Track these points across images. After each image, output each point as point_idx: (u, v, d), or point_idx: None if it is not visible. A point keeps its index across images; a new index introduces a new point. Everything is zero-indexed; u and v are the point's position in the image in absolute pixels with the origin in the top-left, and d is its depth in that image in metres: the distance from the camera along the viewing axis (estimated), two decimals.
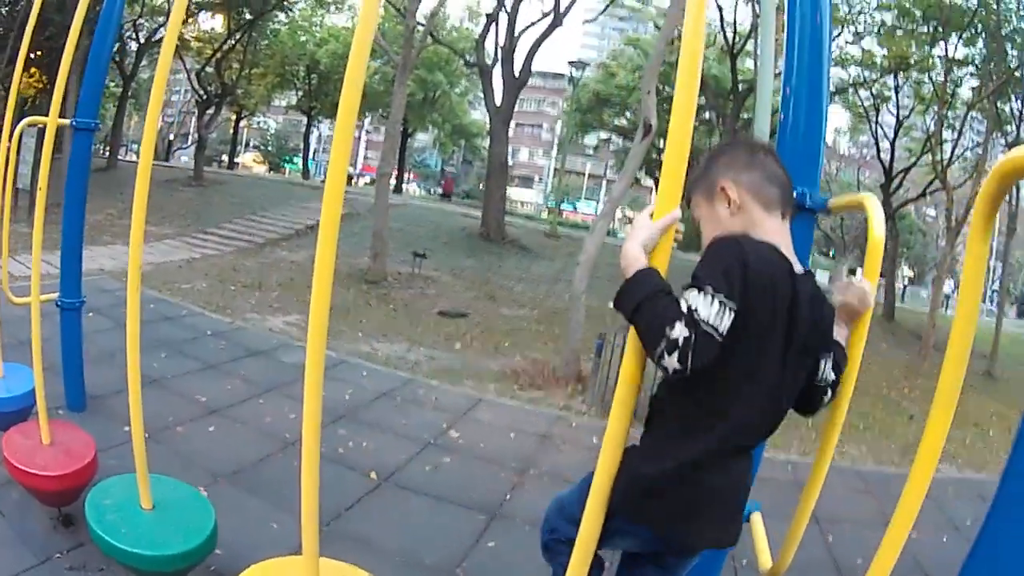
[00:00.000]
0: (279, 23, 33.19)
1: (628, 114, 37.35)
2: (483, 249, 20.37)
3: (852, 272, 53.82)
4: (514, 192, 53.98)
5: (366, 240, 16.86)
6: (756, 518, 2.40)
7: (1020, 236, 22.80)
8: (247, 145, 52.75)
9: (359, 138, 72.40)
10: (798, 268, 1.76)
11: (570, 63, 28.03)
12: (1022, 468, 1.00)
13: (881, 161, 25.75)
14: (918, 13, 19.35)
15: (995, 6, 17.55)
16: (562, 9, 20.86)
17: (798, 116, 2.54)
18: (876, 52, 22.04)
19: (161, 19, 28.12)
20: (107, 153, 28.64)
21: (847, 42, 21.62)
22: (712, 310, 1.48)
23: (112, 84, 32.46)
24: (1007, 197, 21.80)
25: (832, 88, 20.83)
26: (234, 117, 43.28)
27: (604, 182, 69.07)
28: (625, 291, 1.50)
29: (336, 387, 7.03)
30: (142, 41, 29.30)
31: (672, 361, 1.44)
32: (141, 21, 28.09)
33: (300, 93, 41.72)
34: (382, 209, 15.48)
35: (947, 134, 21.87)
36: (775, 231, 1.81)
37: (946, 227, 21.02)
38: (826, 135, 2.71)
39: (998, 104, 19.33)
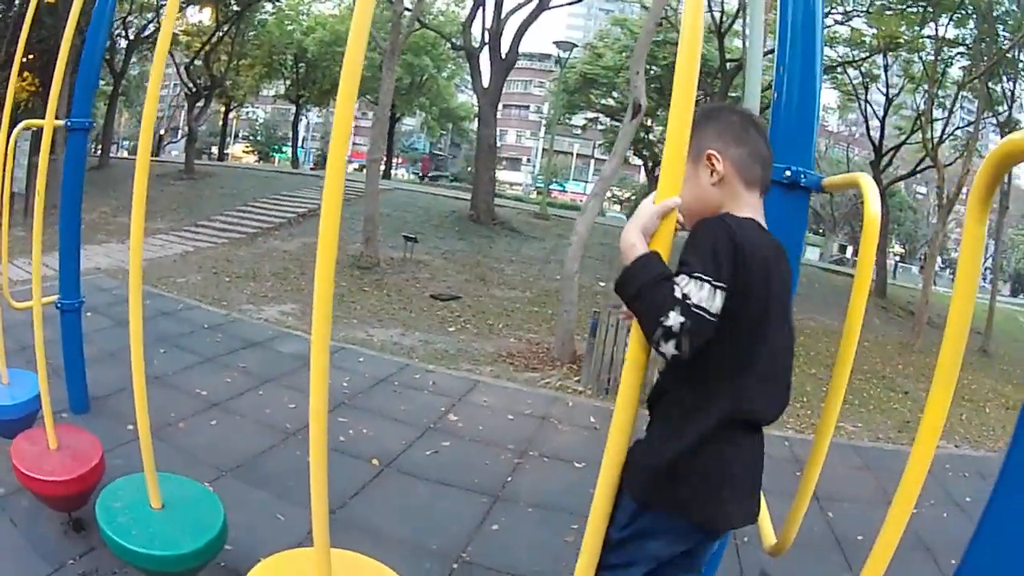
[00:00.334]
0: (266, 13, 33.06)
1: (615, 94, 37.29)
2: (473, 232, 20.35)
3: (843, 248, 53.67)
4: (502, 174, 53.92)
5: (357, 226, 16.85)
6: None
7: (1013, 214, 22.83)
8: (236, 136, 52.62)
9: None
10: None
11: (556, 44, 27.91)
12: None
13: (871, 139, 25.73)
14: None
15: None
16: None
17: (791, 95, 2.52)
18: (865, 31, 21.92)
19: (150, 15, 28.04)
20: (99, 151, 28.55)
21: (836, 22, 21.55)
22: (703, 293, 1.51)
23: (103, 82, 32.34)
24: None
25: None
26: (223, 109, 43.10)
27: (592, 162, 69.09)
28: (624, 278, 1.53)
29: (334, 374, 7.05)
30: (131, 38, 29.21)
31: (669, 347, 1.48)
32: (130, 18, 27.97)
33: (288, 82, 41.71)
34: (372, 195, 15.45)
35: (937, 113, 21.81)
36: (753, 207, 1.84)
37: (937, 205, 20.96)
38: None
39: (989, 84, 19.22)
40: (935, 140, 20.64)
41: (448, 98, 46.78)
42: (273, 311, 10.35)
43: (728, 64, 22.24)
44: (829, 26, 21.30)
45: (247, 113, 57.70)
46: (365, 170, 17.07)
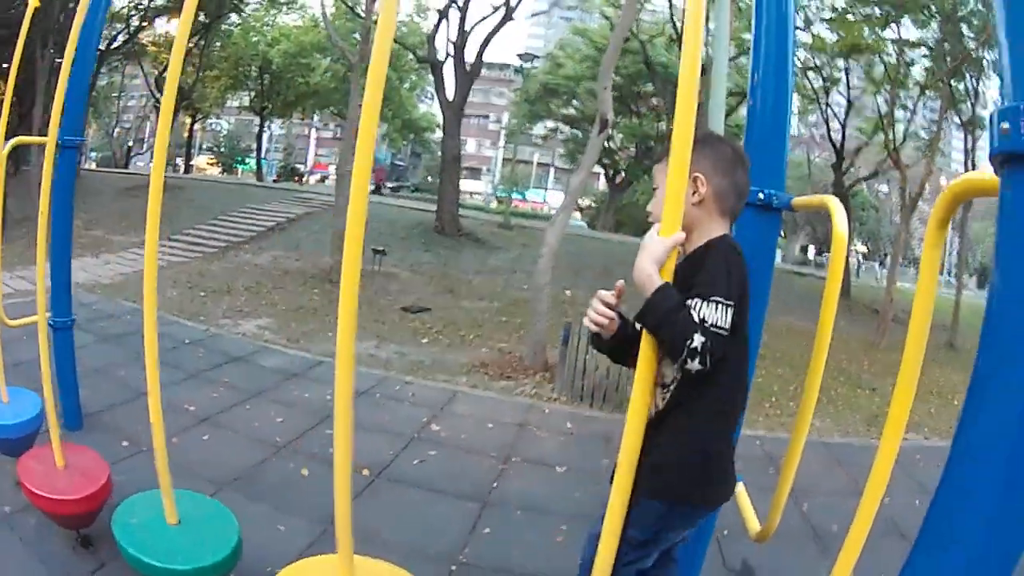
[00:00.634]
0: (231, 24, 32.98)
1: (576, 103, 37.60)
2: (439, 243, 20.44)
3: (804, 250, 54.12)
4: (463, 183, 53.74)
5: (325, 238, 16.91)
6: (740, 489, 2.65)
7: (977, 209, 23.15)
8: (200, 147, 52.35)
9: (308, 135, 71.91)
10: None
11: (520, 56, 28.12)
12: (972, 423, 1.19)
13: (832, 141, 25.91)
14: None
15: None
16: (513, 3, 20.95)
17: (764, 123, 2.72)
18: (827, 37, 22.02)
19: (119, 26, 27.81)
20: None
21: (798, 28, 21.80)
22: (719, 315, 1.75)
23: None
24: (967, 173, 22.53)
25: None
26: (188, 120, 42.83)
27: (552, 170, 69.30)
28: (648, 310, 1.71)
29: (317, 388, 7.22)
30: (101, 48, 29.00)
31: (694, 364, 1.71)
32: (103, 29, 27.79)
33: (253, 93, 41.41)
34: (343, 208, 15.49)
35: (899, 114, 21.97)
36: (722, 230, 2.08)
37: (900, 204, 21.19)
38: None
39: (952, 83, 19.38)
40: (897, 141, 20.79)
41: (410, 109, 46.72)
42: (250, 326, 10.44)
43: None
44: None
45: (211, 124, 57.34)
46: (335, 183, 17.14)
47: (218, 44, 29.77)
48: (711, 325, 1.73)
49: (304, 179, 63.01)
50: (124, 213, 20.42)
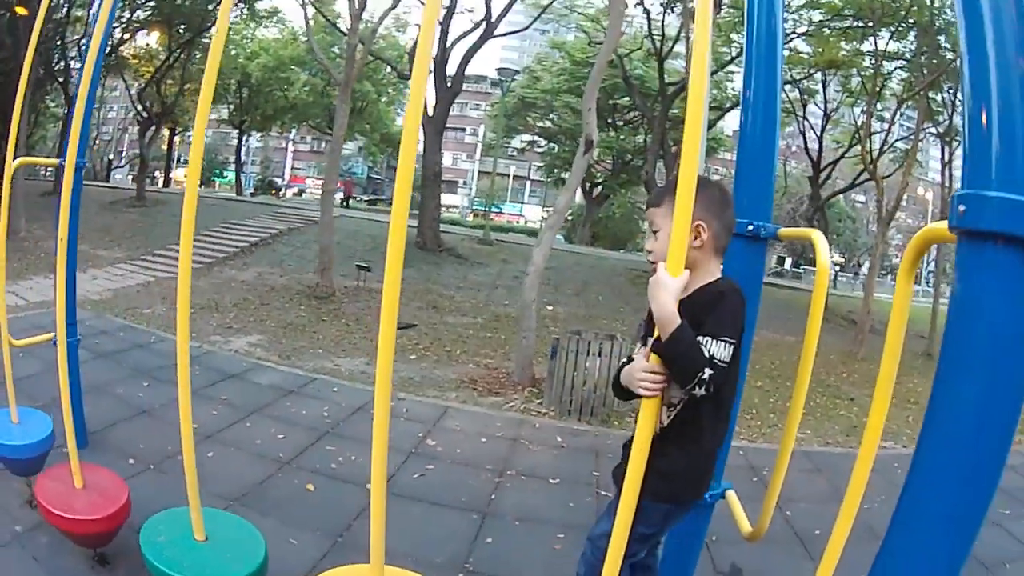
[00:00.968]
0: (211, 37, 32.97)
1: (553, 116, 37.88)
2: (421, 259, 20.53)
3: (780, 260, 54.40)
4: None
5: (309, 254, 17.05)
6: (731, 495, 2.90)
7: None
8: (178, 160, 52.16)
9: (286, 148, 71.80)
10: None
11: (499, 71, 28.36)
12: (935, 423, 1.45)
13: (808, 154, 26.16)
14: (849, 12, 19.69)
15: (928, 2, 17.68)
16: (493, 19, 21.18)
17: (755, 160, 2.94)
18: (802, 50, 22.30)
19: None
20: (53, 176, 28.26)
21: None
22: (725, 352, 2.06)
23: (53, 104, 32.02)
24: (943, 183, 21.84)
25: None
26: (168, 134, 42.74)
27: (528, 183, 69.61)
28: (670, 345, 1.94)
29: (313, 405, 7.41)
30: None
31: (700, 391, 2.00)
32: (84, 42, 27.81)
33: (232, 107, 41.42)
34: (327, 225, 15.70)
35: (876, 125, 22.19)
36: (718, 266, 2.38)
37: (876, 216, 21.44)
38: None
39: (929, 95, 19.57)
40: (874, 153, 21.04)
41: (388, 123, 46.87)
42: (241, 342, 10.58)
43: (669, 88, 22.73)
44: None
45: (190, 137, 57.22)
46: (320, 200, 17.24)
47: (199, 55, 29.75)
48: (718, 360, 2.03)
49: (282, 193, 62.94)
50: (107, 227, 20.52)
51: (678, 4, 21.21)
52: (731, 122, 30.54)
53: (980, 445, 1.32)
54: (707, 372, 1.98)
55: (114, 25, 26.67)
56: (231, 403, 7.15)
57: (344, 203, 40.46)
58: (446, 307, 16.27)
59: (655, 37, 22.60)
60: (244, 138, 46.17)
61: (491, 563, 4.34)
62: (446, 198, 66.05)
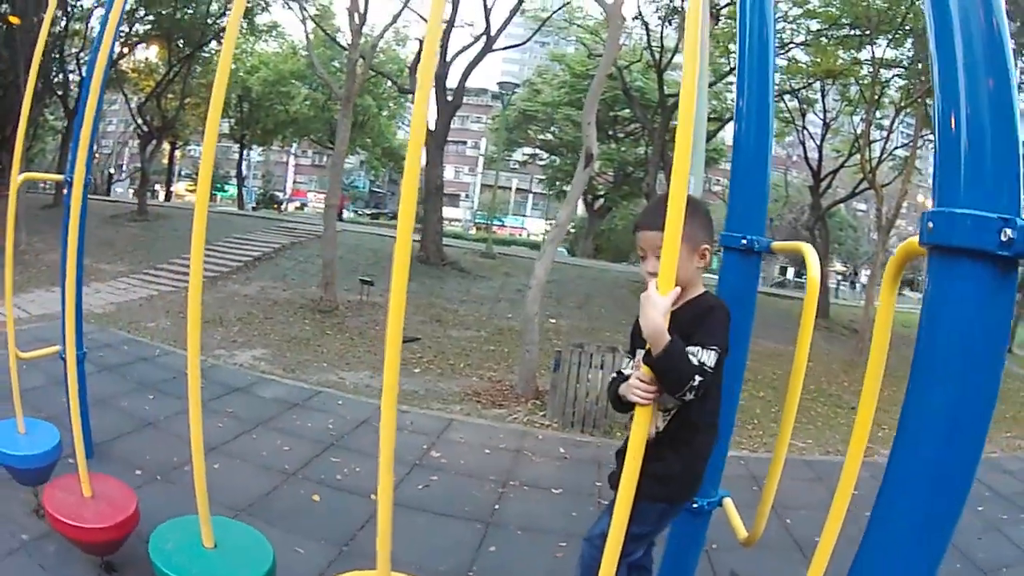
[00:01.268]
0: (211, 51, 33.22)
1: (554, 129, 38.05)
2: (424, 273, 20.56)
3: (783, 271, 54.32)
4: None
5: (312, 268, 17.10)
6: (728, 502, 3.00)
7: None
8: (179, 174, 52.41)
9: (287, 162, 72.01)
10: None
11: (500, 85, 28.52)
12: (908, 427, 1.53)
13: (808, 163, 26.14)
14: (846, 21, 19.80)
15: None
16: (493, 33, 21.33)
17: (749, 177, 3.02)
18: (801, 59, 22.41)
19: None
20: (53, 190, 28.39)
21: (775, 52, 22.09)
22: (713, 361, 2.23)
23: (52, 117, 32.17)
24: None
25: None
26: (169, 147, 42.95)
27: (530, 196, 69.78)
28: (662, 358, 2.04)
29: (318, 418, 7.48)
30: (85, 75, 28.99)
31: (689, 396, 2.11)
32: (84, 55, 27.98)
33: (233, 121, 41.61)
34: (330, 239, 15.80)
35: (876, 134, 22.25)
36: (702, 282, 2.54)
37: (877, 224, 21.56)
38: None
39: (927, 102, 19.03)
40: (873, 161, 21.12)
41: (390, 137, 47.08)
42: (246, 356, 10.67)
43: (669, 99, 22.83)
44: None
45: (190, 151, 57.45)
46: (323, 214, 17.35)
47: (199, 69, 29.90)
48: (707, 367, 2.19)
49: (283, 207, 63.11)
50: (109, 241, 20.61)
51: (676, 17, 21.35)
52: (731, 132, 30.53)
53: (952, 449, 1.39)
54: (697, 379, 2.09)
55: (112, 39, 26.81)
56: (237, 416, 7.22)
57: (338, 216, 40.57)
58: (449, 321, 16.33)
59: (654, 49, 22.74)
60: (245, 152, 46.31)
61: (494, 571, 4.41)
62: (449, 211, 66.26)
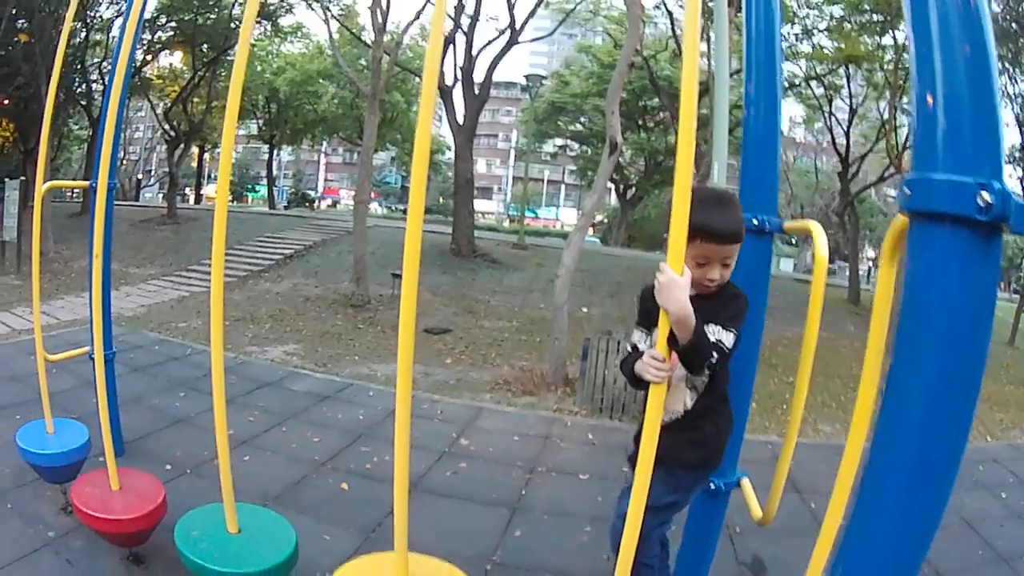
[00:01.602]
0: (236, 55, 33.43)
1: (583, 120, 37.99)
2: (456, 265, 20.71)
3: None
4: (475, 204, 53.52)
5: (343, 263, 17.13)
6: (746, 482, 3.04)
7: None
8: (209, 176, 52.87)
9: (318, 161, 72.47)
10: None
11: (527, 78, 28.49)
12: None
13: (837, 149, 25.86)
14: (868, 7, 19.60)
15: None
16: (517, 26, 21.34)
17: (760, 156, 3.05)
18: (826, 44, 22.22)
19: None
20: (80, 198, 28.79)
21: (797, 38, 21.90)
22: (732, 341, 2.38)
23: (76, 126, 32.59)
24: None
25: (785, 84, 21.21)
26: (198, 151, 43.37)
27: (563, 187, 69.68)
28: (694, 339, 2.13)
29: (349, 409, 7.58)
30: (107, 84, 29.29)
31: (705, 372, 2.37)
32: (106, 65, 28.33)
33: (261, 122, 41.92)
34: (361, 235, 15.90)
35: (902, 119, 21.95)
36: None
37: None
38: (781, 134, 3.24)
39: None
40: (900, 147, 21.01)
41: None
42: (277, 352, 10.79)
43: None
44: (791, 43, 21.79)
45: (219, 154, 57.85)
46: (352, 211, 17.46)
47: (223, 73, 30.20)
48: (725, 347, 2.35)
49: (316, 205, 63.50)
50: (138, 245, 20.95)
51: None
52: None
53: (936, 425, 1.40)
54: (716, 355, 2.28)
55: (137, 47, 27.09)
56: (267, 410, 7.32)
57: None
58: (481, 312, 16.40)
59: (679, 38, 22.61)
60: (275, 152, 46.61)
61: (518, 555, 4.46)
62: (482, 204, 66.56)
